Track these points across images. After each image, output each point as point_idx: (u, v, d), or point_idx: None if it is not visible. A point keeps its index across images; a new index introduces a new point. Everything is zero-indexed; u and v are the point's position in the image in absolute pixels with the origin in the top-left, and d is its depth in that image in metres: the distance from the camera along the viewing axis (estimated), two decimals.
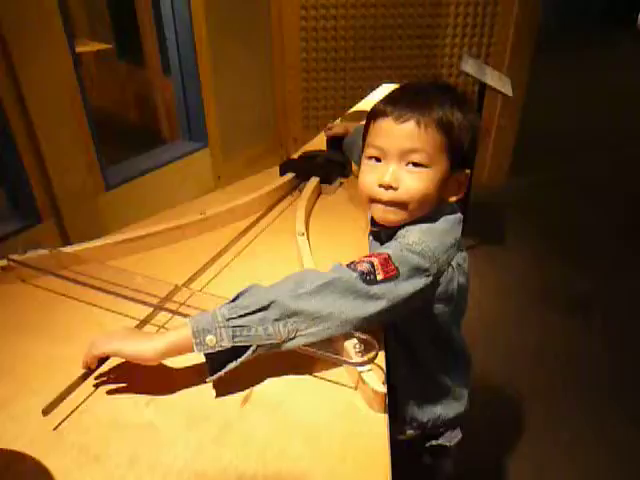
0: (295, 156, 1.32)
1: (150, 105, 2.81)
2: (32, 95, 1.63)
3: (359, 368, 0.65)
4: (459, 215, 0.80)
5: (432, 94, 0.75)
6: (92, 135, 1.91)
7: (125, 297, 0.81)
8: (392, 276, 0.66)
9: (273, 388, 0.68)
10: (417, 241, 0.71)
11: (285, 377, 0.70)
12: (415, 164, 0.73)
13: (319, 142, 1.52)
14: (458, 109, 0.74)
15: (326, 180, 1.19)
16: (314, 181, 1.18)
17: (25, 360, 0.73)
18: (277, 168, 1.26)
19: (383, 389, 0.63)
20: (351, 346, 0.67)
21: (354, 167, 1.25)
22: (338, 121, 1.47)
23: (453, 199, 0.79)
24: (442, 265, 0.73)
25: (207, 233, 1.04)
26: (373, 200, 0.77)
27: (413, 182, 0.73)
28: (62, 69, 1.73)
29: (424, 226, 0.75)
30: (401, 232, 0.75)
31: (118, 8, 3.15)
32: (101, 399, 0.66)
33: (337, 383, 0.68)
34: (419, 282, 0.69)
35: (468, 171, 0.79)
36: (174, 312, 0.78)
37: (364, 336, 0.68)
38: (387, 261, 0.67)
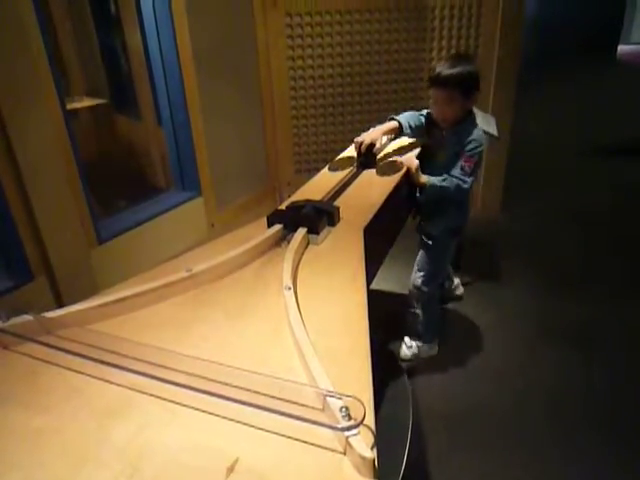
0: (283, 206, 1.33)
1: (146, 156, 2.86)
2: (23, 152, 1.65)
3: (346, 433, 0.63)
4: (473, 115, 1.77)
5: (448, 69, 1.61)
6: (84, 190, 1.93)
7: (109, 364, 0.80)
8: (473, 163, 1.69)
9: (259, 455, 0.66)
10: (477, 140, 1.70)
11: (271, 443, 0.68)
12: (446, 104, 1.67)
13: (307, 191, 1.53)
14: (463, 71, 1.61)
15: (313, 230, 1.19)
16: (301, 232, 1.18)
17: (3, 432, 0.71)
18: (265, 219, 1.26)
19: (371, 454, 0.61)
20: (337, 409, 0.65)
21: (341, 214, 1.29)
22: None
23: (472, 106, 1.73)
24: (482, 144, 1.72)
25: (194, 291, 1.03)
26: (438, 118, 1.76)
27: (447, 111, 1.69)
28: (53, 126, 1.75)
29: (475, 130, 1.72)
30: (466, 136, 1.70)
31: (114, 64, 3.24)
32: (78, 475, 0.64)
33: (324, 448, 0.66)
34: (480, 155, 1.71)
35: (476, 92, 1.67)
36: (162, 380, 0.76)
37: (350, 397, 0.66)
38: (471, 160, 1.69)
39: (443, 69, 1.63)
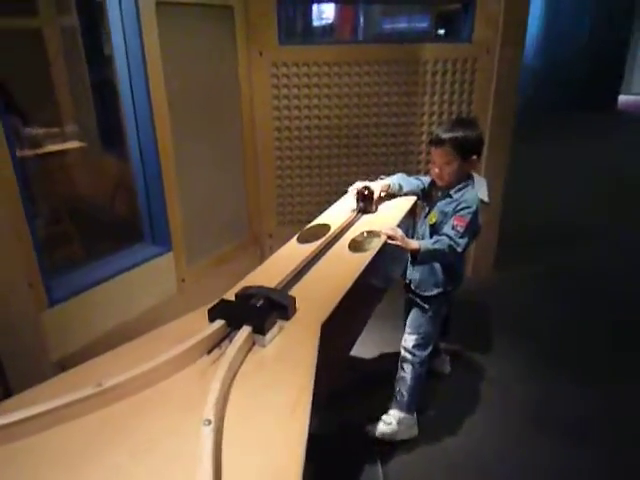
0: (232, 294, 1.17)
1: (119, 205, 2.73)
2: None
3: None
4: (472, 179, 1.78)
5: (446, 131, 1.67)
6: (34, 245, 1.76)
7: None
8: (466, 224, 1.64)
9: None
10: (468, 201, 1.69)
11: None
12: (443, 164, 1.70)
13: (267, 270, 1.37)
14: (462, 131, 1.66)
15: (259, 330, 1.02)
16: (245, 332, 1.01)
17: None
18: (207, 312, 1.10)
19: None
20: None
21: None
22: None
23: (471, 170, 1.76)
24: (477, 205, 1.70)
25: (103, 409, 0.86)
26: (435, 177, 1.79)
27: (444, 171, 1.72)
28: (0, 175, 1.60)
29: (467, 192, 1.72)
30: (456, 197, 1.72)
31: (105, 108, 3.14)
32: None
33: None
34: (473, 216, 1.67)
35: (475, 157, 1.70)
36: None
37: None
38: (463, 220, 1.65)
39: (442, 130, 1.70)
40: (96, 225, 2.93)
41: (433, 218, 1.79)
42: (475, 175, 2.32)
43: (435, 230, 1.77)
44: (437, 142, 1.68)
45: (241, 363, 0.97)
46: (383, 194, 1.92)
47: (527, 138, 5.79)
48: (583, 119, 8.31)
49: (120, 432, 0.81)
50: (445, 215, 1.74)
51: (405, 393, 1.90)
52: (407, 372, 1.89)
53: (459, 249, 1.63)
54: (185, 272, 2.42)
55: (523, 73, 2.92)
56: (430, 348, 1.92)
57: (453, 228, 1.65)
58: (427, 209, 1.88)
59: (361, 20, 5.33)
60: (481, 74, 2.69)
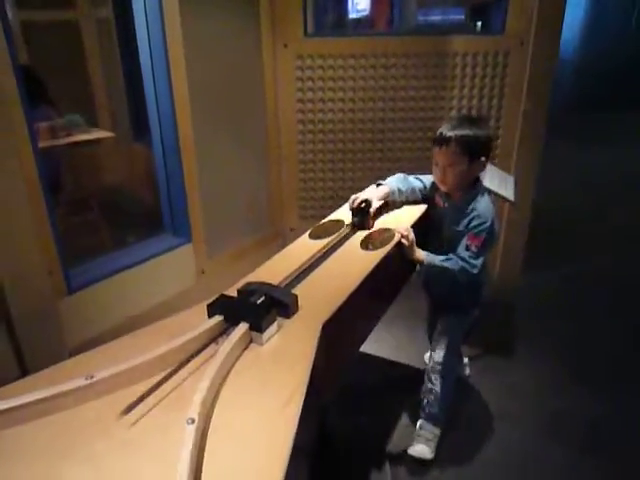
0: (234, 289, 1.15)
1: (142, 195, 2.76)
2: None
3: None
4: (479, 184, 1.61)
5: (452, 129, 1.48)
6: (54, 234, 1.80)
7: None
8: (481, 242, 1.52)
9: None
10: (481, 215, 1.53)
11: None
12: (447, 166, 1.52)
13: (274, 265, 1.35)
14: (470, 129, 1.48)
15: (256, 328, 1.00)
16: (241, 329, 0.99)
17: None
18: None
19: None
20: None
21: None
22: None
23: (477, 174, 1.58)
24: (492, 216, 1.54)
25: (93, 401, 0.85)
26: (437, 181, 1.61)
27: (448, 174, 1.53)
28: (22, 165, 1.63)
29: (478, 202, 1.55)
30: (468, 212, 1.55)
31: (134, 98, 3.18)
32: None
33: None
34: (488, 231, 1.52)
35: (483, 158, 1.52)
36: None
37: None
38: (477, 238, 1.52)
39: (446, 128, 1.51)
40: (122, 215, 2.99)
41: (447, 231, 1.66)
42: (500, 173, 2.22)
43: (448, 242, 1.63)
44: (441, 141, 1.50)
45: (236, 360, 0.95)
46: (380, 203, 1.72)
47: (566, 136, 5.57)
48: (629, 117, 7.88)
49: (107, 424, 0.81)
50: (457, 233, 1.58)
51: (436, 405, 1.76)
52: (436, 384, 1.74)
53: (474, 271, 1.51)
54: (205, 264, 2.42)
55: (561, 67, 2.79)
56: (458, 352, 1.86)
57: (467, 248, 1.51)
58: (435, 219, 1.73)
59: (395, 12, 5.23)
60: (514, 68, 2.57)
